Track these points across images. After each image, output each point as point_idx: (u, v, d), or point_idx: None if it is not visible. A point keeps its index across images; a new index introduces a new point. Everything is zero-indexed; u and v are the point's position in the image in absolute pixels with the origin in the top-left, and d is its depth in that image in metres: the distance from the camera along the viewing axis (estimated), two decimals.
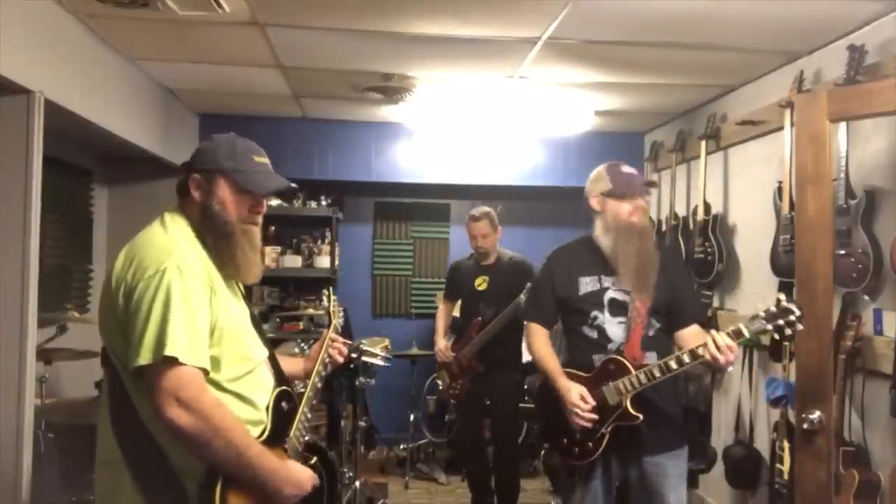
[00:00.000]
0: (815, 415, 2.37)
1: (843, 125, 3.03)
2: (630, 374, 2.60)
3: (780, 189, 3.59)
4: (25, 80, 2.87)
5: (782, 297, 2.39)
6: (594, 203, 2.79)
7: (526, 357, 5.05)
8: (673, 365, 2.52)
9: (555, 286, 2.85)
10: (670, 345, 2.76)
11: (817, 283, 2.40)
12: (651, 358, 2.68)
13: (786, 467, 3.37)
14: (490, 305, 4.40)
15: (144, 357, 1.62)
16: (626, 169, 2.78)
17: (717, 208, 4.42)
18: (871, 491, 2.85)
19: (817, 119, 2.40)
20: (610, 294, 2.74)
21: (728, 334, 2.40)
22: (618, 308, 2.72)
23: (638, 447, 2.69)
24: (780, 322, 2.35)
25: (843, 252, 3.01)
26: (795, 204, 2.60)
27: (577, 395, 2.65)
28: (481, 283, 4.49)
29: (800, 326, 2.32)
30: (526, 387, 5.31)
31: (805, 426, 2.39)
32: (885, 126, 3.07)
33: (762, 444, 3.86)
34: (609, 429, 2.65)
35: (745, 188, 4.27)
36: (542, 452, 5.21)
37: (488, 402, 4.51)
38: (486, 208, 4.51)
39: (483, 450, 4.57)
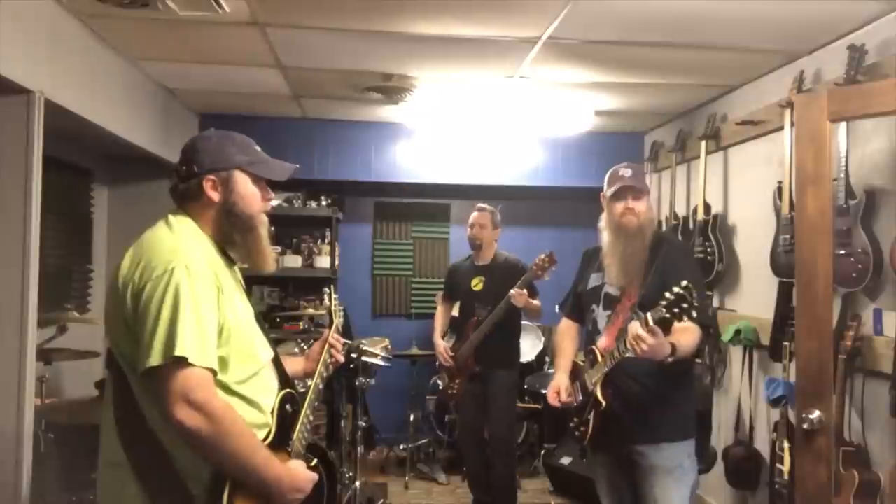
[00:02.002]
0: (815, 415, 2.36)
1: (843, 125, 3.02)
2: (598, 363, 2.75)
3: (780, 189, 3.59)
4: (25, 80, 2.87)
5: (684, 283, 2.37)
6: (602, 204, 2.89)
7: (524, 357, 5.07)
8: (615, 354, 2.62)
9: (577, 282, 3.07)
10: None
11: (817, 283, 2.39)
12: None
13: (786, 467, 3.37)
14: (485, 305, 4.40)
15: (154, 358, 1.60)
16: (623, 171, 2.80)
17: (717, 208, 4.43)
18: (871, 491, 2.85)
19: (817, 119, 2.39)
20: (606, 289, 2.87)
21: (641, 324, 2.43)
22: (609, 302, 2.85)
23: (622, 435, 2.75)
24: (676, 310, 2.38)
25: (843, 252, 3.01)
26: (795, 204, 2.59)
27: (551, 389, 2.93)
28: (477, 284, 4.51)
29: (694, 314, 2.34)
30: (526, 386, 5.32)
31: (805, 426, 2.38)
32: (885, 126, 3.07)
33: (762, 444, 3.86)
34: (591, 415, 2.75)
35: (745, 188, 4.27)
36: (542, 452, 5.21)
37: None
38: (493, 207, 4.61)
39: (484, 450, 4.56)
